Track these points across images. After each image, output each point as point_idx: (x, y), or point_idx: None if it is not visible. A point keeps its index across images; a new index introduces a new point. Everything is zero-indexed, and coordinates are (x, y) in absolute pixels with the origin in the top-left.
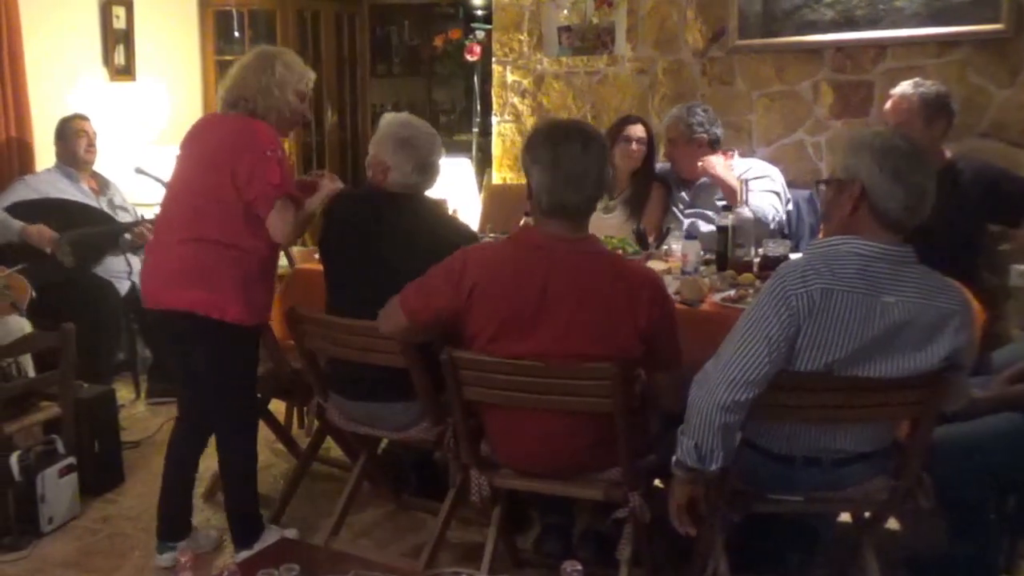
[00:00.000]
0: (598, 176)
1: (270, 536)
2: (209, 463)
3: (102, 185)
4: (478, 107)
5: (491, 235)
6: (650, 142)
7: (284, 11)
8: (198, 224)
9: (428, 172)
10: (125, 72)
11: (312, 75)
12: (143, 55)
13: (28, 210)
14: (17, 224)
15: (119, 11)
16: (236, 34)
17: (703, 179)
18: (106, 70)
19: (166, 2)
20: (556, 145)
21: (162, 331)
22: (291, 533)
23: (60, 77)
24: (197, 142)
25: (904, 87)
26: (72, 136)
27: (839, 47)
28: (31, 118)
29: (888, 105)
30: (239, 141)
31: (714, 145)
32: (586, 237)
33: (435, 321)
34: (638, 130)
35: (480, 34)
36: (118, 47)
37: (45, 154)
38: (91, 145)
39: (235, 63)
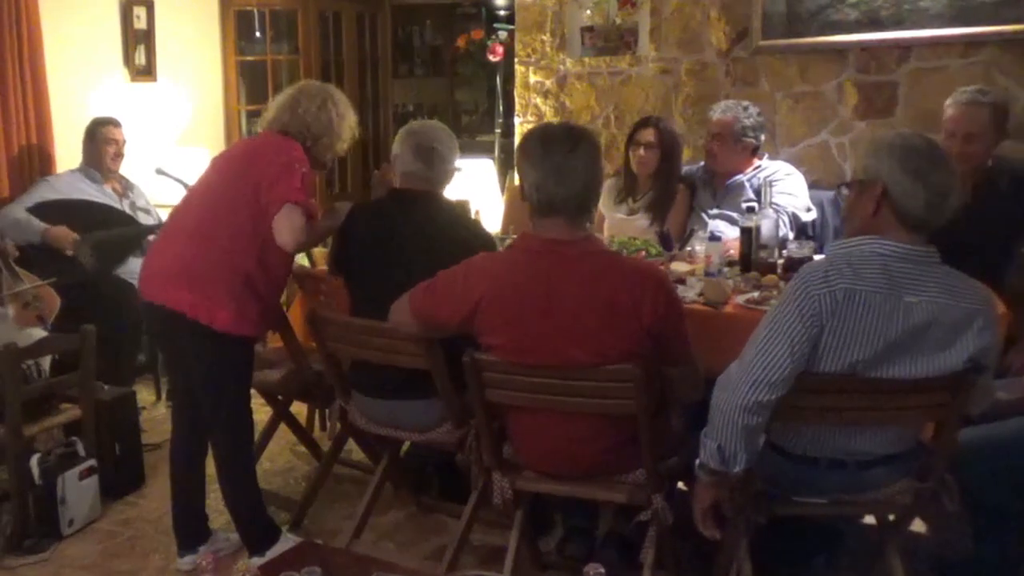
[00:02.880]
0: (587, 174)
1: (285, 544)
2: None
3: (125, 187)
4: (500, 108)
5: (514, 236)
6: (664, 144)
7: (306, 11)
8: (211, 226)
9: (429, 159)
10: (146, 73)
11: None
12: (164, 56)
13: (51, 210)
14: (40, 225)
15: (140, 11)
16: (257, 34)
17: (733, 179)
18: (127, 70)
19: (187, 2)
20: (546, 143)
21: (152, 324)
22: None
23: (80, 78)
24: (232, 151)
25: (970, 96)
26: (101, 142)
27: (863, 47)
28: (51, 119)
29: (953, 114)
30: (271, 152)
31: (755, 152)
32: (585, 237)
33: (440, 328)
34: (647, 135)
35: (502, 34)
36: (139, 47)
37: (65, 155)
38: (118, 154)
39: (279, 96)
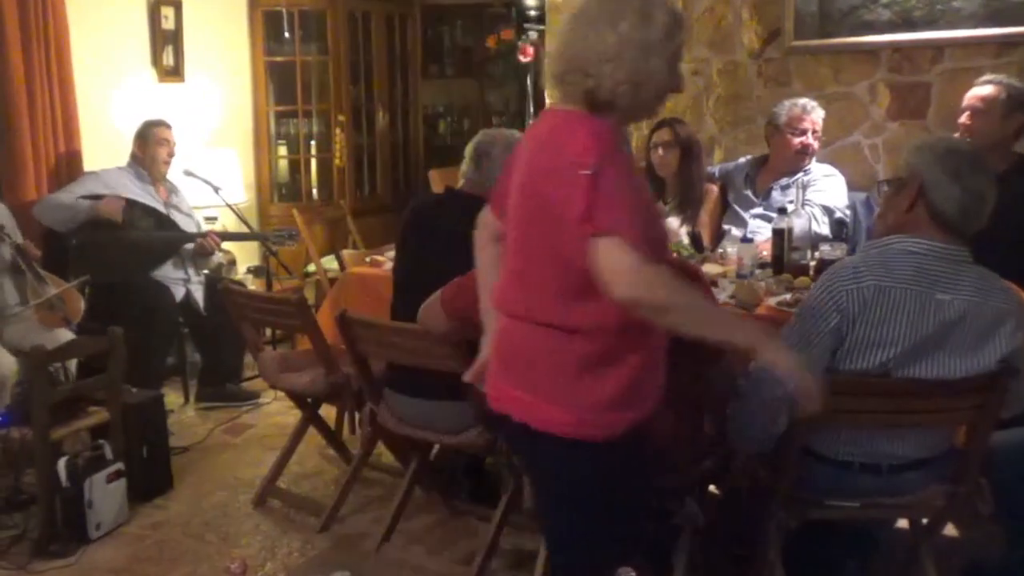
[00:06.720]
0: None
1: None
2: (257, 470)
3: (170, 190)
4: (531, 109)
5: None
6: (681, 143)
7: (335, 12)
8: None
9: (478, 161)
10: (174, 73)
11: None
12: (192, 56)
13: None
14: (86, 203)
15: (168, 11)
16: (286, 35)
17: (783, 180)
18: (155, 71)
19: (215, 2)
20: None
21: None
22: None
23: (108, 78)
24: (522, 155)
25: (990, 77)
26: (154, 143)
27: (896, 48)
28: (79, 120)
29: (969, 92)
30: (550, 154)
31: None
32: None
33: (471, 325)
34: (662, 135)
35: (533, 35)
36: (167, 48)
37: (92, 157)
38: (171, 155)
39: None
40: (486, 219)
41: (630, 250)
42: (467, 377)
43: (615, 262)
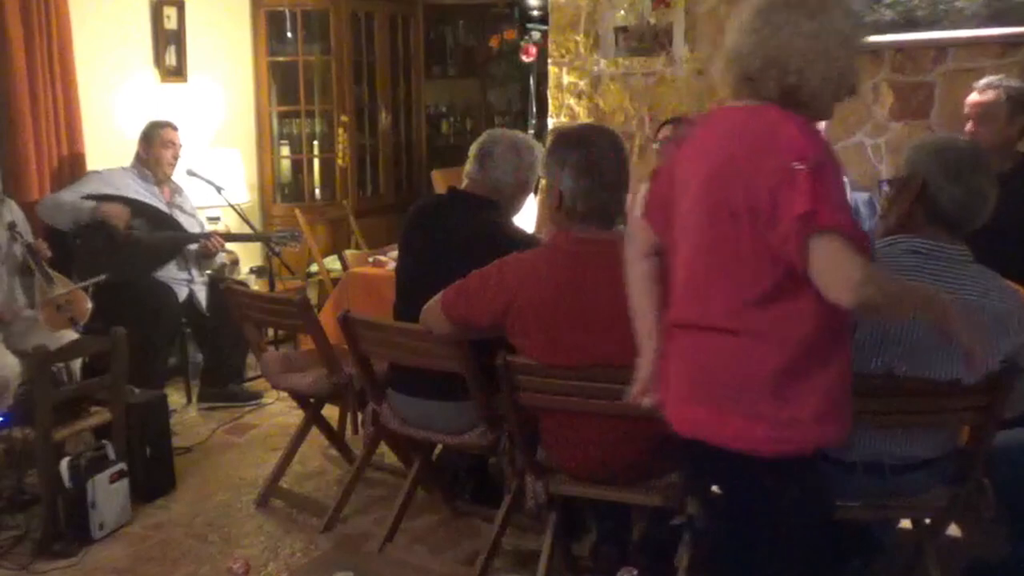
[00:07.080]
0: (626, 175)
1: None
2: (260, 471)
3: (173, 191)
4: (534, 109)
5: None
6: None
7: (337, 12)
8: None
9: (481, 161)
10: (176, 73)
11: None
12: (195, 56)
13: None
14: (90, 204)
15: (170, 11)
16: (289, 35)
17: None
18: (157, 71)
19: (218, 2)
20: (587, 148)
21: None
22: None
23: (111, 78)
24: (697, 156)
25: (988, 81)
26: (159, 145)
27: (899, 48)
28: (81, 119)
29: (968, 98)
30: (751, 152)
31: None
32: (620, 234)
33: (472, 327)
34: (665, 131)
35: (536, 35)
36: (169, 48)
37: (94, 156)
38: (176, 156)
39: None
40: (638, 233)
41: (856, 253)
42: (630, 398)
43: (842, 266)
